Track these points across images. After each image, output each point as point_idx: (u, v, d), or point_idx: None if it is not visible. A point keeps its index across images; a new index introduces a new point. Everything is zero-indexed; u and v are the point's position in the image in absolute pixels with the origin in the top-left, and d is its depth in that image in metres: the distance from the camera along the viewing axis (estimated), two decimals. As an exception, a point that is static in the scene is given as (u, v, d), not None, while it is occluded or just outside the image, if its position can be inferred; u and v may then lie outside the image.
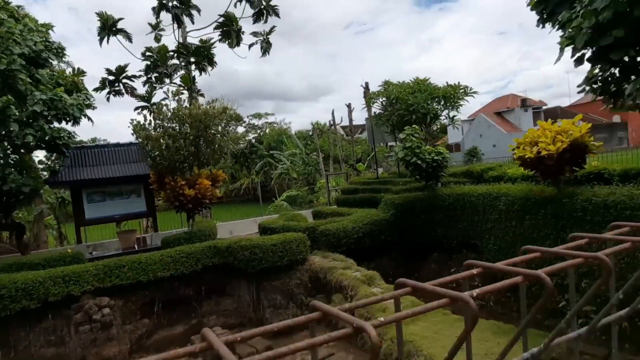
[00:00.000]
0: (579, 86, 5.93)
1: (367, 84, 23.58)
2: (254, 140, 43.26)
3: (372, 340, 0.95)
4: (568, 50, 6.34)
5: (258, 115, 51.46)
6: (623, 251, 1.16)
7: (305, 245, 10.57)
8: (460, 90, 13.59)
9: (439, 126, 16.43)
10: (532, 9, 8.33)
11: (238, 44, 19.52)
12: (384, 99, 14.79)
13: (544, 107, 51.34)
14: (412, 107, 12.92)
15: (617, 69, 5.50)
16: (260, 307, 10.41)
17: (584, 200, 7.40)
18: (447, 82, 13.53)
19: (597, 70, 5.65)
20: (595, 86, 5.65)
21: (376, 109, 16.39)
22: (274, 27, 20.59)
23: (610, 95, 5.48)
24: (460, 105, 13.90)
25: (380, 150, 31.68)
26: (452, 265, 10.59)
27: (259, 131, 48.56)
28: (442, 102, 13.71)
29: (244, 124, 44.66)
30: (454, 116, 14.26)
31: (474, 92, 13.62)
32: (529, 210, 8.53)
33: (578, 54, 5.77)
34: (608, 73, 5.54)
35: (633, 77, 5.28)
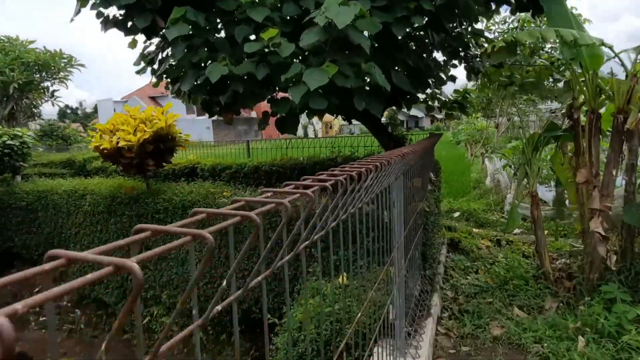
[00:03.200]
0: (135, 64, 4.87)
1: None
2: None
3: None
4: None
5: None
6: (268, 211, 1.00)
7: None
8: (63, 60, 11.07)
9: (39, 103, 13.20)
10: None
11: None
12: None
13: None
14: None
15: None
16: None
17: (166, 200, 6.60)
18: (44, 47, 10.71)
19: (152, 46, 4.69)
20: (156, 66, 4.64)
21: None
22: None
23: (174, 80, 4.55)
24: (66, 78, 11.38)
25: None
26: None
27: None
28: (42, 72, 10.81)
29: None
30: (54, 90, 11.61)
31: (81, 65, 11.40)
32: (114, 212, 7.17)
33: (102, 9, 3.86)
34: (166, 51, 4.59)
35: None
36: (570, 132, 4.18)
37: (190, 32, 3.53)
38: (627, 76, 3.47)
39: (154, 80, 5.07)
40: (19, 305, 0.37)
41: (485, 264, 5.19)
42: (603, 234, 3.54)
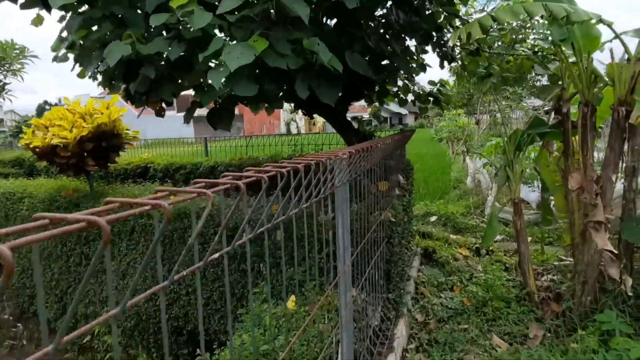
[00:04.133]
0: (53, 49, 4.06)
1: None
2: None
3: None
4: None
5: None
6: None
7: None
8: (15, 51, 10.12)
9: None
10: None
11: None
12: None
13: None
14: None
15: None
16: None
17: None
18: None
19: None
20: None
21: None
22: None
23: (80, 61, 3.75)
24: (19, 70, 10.43)
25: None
26: None
27: None
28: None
29: None
30: (3, 84, 10.62)
31: (34, 56, 10.44)
32: (50, 217, 6.36)
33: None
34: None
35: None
36: (558, 128, 3.55)
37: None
38: (629, 60, 2.84)
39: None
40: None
41: (462, 278, 4.54)
42: (615, 252, 2.91)
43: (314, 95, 3.17)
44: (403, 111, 56.37)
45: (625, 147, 2.94)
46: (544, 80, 12.42)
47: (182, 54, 2.72)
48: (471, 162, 11.07)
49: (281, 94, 3.27)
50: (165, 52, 2.73)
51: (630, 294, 2.84)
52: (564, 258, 4.45)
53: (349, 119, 5.14)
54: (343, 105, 5.00)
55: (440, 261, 5.05)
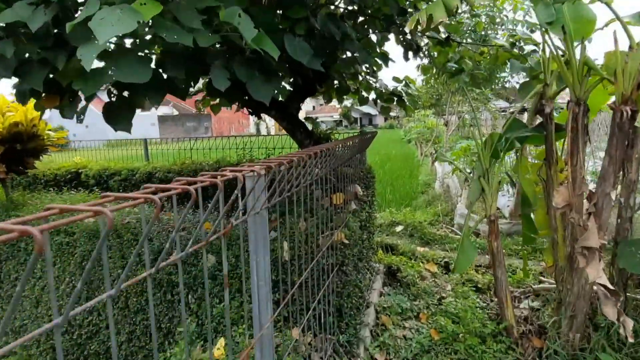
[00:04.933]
0: None
1: None
2: None
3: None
4: None
5: None
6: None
7: None
8: None
9: None
10: None
11: None
12: None
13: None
14: None
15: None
16: None
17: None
18: None
19: None
20: None
21: None
22: None
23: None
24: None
25: None
26: None
27: None
28: None
29: None
30: None
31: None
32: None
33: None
34: None
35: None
36: (540, 132, 2.99)
37: None
38: (631, 47, 2.28)
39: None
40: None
41: (429, 304, 3.95)
42: (611, 288, 2.34)
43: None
44: (373, 111, 56.35)
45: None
46: (514, 82, 12.12)
47: (54, 25, 1.97)
48: (440, 166, 10.62)
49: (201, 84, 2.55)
50: (20, 21, 1.97)
51: (631, 340, 2.28)
52: (544, 279, 3.92)
53: (302, 120, 4.47)
54: (295, 103, 4.33)
55: (405, 281, 4.44)
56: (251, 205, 1.50)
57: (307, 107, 56.57)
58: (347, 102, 5.99)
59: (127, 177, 5.93)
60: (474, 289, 4.18)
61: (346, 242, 2.99)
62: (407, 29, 2.46)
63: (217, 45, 2.91)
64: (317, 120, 4.78)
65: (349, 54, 3.72)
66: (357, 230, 3.29)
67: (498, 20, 5.83)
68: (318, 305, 2.64)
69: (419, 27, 2.26)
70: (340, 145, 2.98)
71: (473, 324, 3.24)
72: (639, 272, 2.39)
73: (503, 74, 11.21)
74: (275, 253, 2.64)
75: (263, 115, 4.42)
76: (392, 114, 5.21)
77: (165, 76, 2.36)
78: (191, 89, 2.50)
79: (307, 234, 2.69)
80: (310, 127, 4.56)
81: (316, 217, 2.78)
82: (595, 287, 2.50)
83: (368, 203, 3.99)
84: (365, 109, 53.49)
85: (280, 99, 5.07)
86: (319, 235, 2.73)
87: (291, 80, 4.53)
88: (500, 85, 12.04)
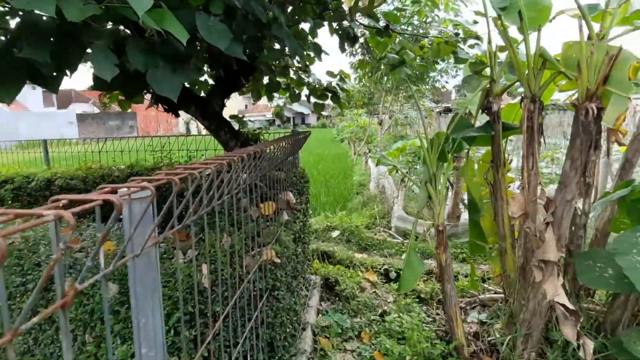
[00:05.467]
0: None
1: None
2: None
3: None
4: None
5: None
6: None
7: None
8: None
9: None
10: None
11: None
12: None
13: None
14: None
15: None
16: None
17: None
18: None
19: None
20: None
21: None
22: None
23: None
24: None
25: None
26: None
27: None
28: None
29: None
30: None
31: None
32: None
33: None
34: None
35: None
36: (488, 131, 2.74)
37: None
38: (589, 38, 2.04)
39: None
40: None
41: (371, 320, 3.60)
42: (571, 307, 2.09)
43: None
44: (306, 111, 56.26)
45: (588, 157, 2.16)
46: (443, 81, 12.33)
47: None
48: (374, 166, 10.49)
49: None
50: None
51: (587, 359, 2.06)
52: (489, 287, 3.73)
53: (227, 118, 3.93)
54: (217, 99, 3.78)
55: (344, 294, 4.07)
56: (129, 246, 1.00)
57: (240, 105, 55.11)
58: (280, 101, 5.53)
59: (21, 185, 4.99)
60: (417, 300, 3.91)
61: (278, 261, 2.53)
62: (345, 6, 2.05)
63: (110, 25, 2.32)
64: (245, 119, 4.26)
65: (277, 46, 3.27)
66: (290, 245, 2.84)
67: (429, 19, 5.69)
68: (245, 343, 2.15)
69: (360, 4, 1.85)
70: (272, 147, 2.52)
71: (421, 345, 2.93)
72: (600, 287, 2.18)
73: (432, 74, 11.33)
74: (190, 280, 2.12)
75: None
76: (324, 112, 4.82)
77: (25, 61, 1.75)
78: (68, 78, 1.91)
79: (233, 252, 2.21)
80: (237, 126, 4.04)
81: (243, 232, 2.31)
82: (553, 305, 2.26)
83: (302, 211, 3.56)
84: (299, 108, 53.25)
85: (202, 94, 4.48)
86: (245, 254, 2.25)
87: (213, 72, 3.99)
88: (430, 84, 12.16)
